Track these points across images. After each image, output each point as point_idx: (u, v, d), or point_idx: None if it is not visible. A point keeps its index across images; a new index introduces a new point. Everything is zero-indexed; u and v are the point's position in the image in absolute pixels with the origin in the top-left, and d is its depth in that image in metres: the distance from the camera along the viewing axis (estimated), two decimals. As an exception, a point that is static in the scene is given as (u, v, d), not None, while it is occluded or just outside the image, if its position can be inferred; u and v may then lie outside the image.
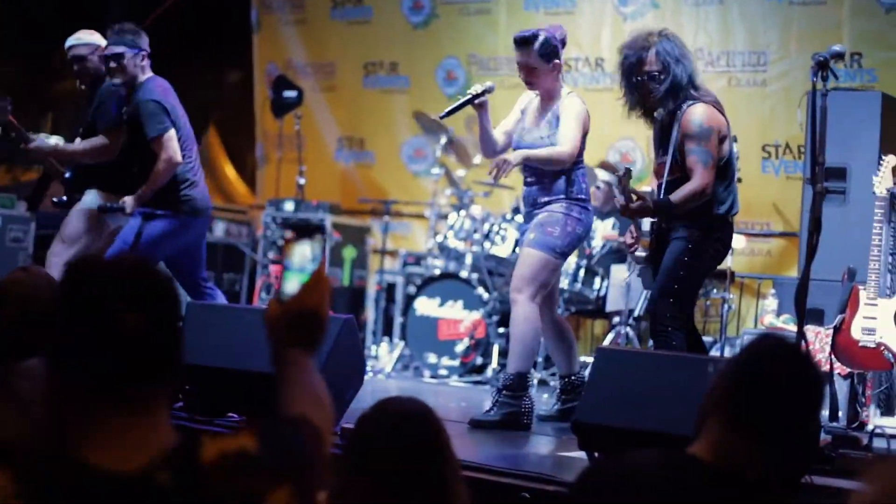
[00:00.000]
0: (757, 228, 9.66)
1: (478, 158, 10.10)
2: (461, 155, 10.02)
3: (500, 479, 4.62)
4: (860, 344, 6.84)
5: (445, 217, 9.86)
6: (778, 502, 2.75)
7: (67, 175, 7.50)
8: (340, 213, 10.91)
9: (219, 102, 13.71)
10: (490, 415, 6.31)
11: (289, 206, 10.62)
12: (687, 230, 6.02)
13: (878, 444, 4.62)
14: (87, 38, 7.43)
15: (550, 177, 6.55)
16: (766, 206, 9.47)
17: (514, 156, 6.59)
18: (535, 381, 8.50)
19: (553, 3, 10.85)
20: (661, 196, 6.02)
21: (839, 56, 5.26)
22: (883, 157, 7.01)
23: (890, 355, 6.80)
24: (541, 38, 6.54)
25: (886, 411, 7.14)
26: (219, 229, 10.92)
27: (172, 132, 6.98)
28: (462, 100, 6.65)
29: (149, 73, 7.17)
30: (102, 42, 7.38)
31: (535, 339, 6.47)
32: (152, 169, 6.97)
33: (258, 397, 5.36)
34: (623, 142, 10.34)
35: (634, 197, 5.98)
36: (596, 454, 4.69)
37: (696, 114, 6.00)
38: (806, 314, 7.60)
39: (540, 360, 8.80)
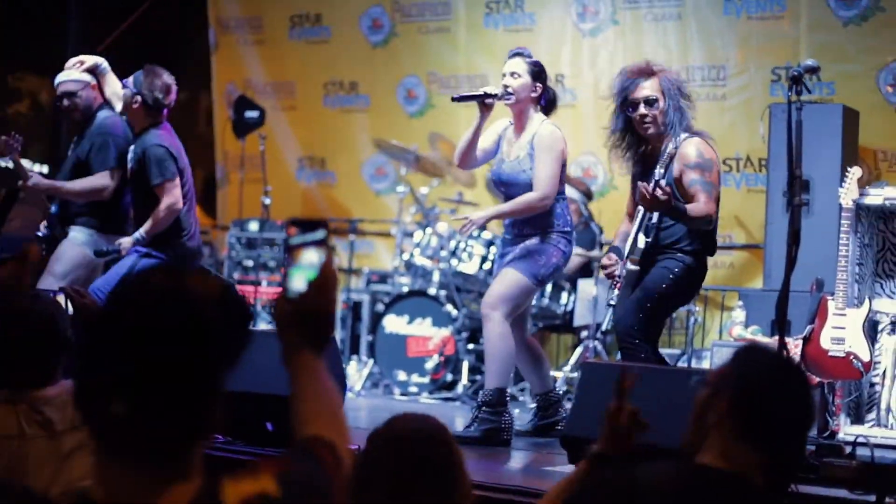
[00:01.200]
0: (720, 241, 9.73)
1: (446, 175, 10.16)
2: (429, 169, 10.07)
3: (490, 494, 4.66)
4: (829, 354, 6.94)
5: (411, 235, 9.90)
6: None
7: (53, 209, 7.53)
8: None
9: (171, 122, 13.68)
10: (470, 431, 6.36)
11: (253, 226, 10.63)
12: (673, 261, 6.14)
13: (862, 452, 4.70)
14: (76, 75, 7.48)
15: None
16: (728, 218, 9.58)
17: (485, 214, 6.71)
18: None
19: (513, 21, 10.94)
20: (649, 238, 6.11)
21: (813, 70, 5.35)
22: (849, 169, 7.11)
23: (859, 364, 6.90)
24: (534, 57, 6.68)
25: (856, 420, 7.24)
26: (182, 250, 10.89)
27: (177, 180, 7.06)
28: (479, 91, 6.65)
29: (152, 121, 7.21)
30: (92, 79, 7.46)
31: (510, 355, 6.52)
32: (151, 211, 7.06)
33: (278, 419, 5.41)
34: (584, 156, 10.43)
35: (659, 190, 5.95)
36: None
37: (696, 146, 6.11)
38: (776, 325, 7.74)
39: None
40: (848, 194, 7.03)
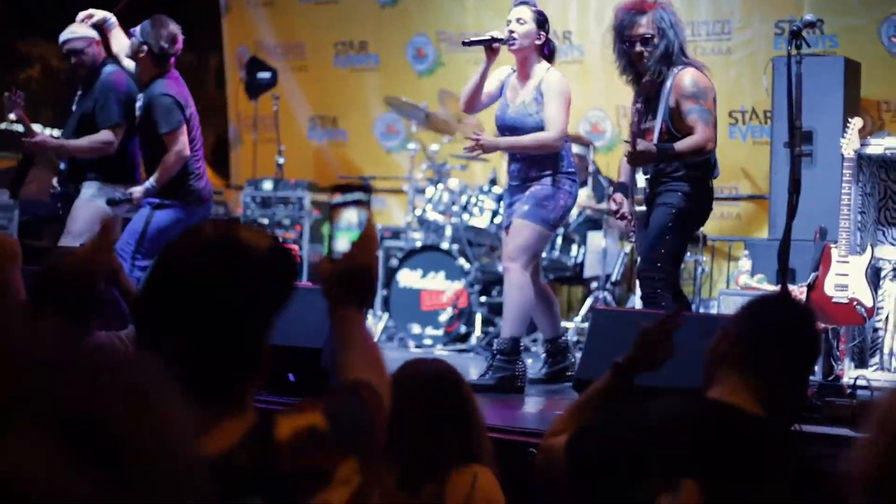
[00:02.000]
0: (726, 192, 9.91)
1: (456, 132, 10.31)
2: (439, 126, 10.22)
3: (507, 436, 4.87)
4: (833, 300, 7.12)
5: (423, 191, 10.07)
6: (789, 437, 3.03)
7: (62, 167, 7.70)
8: (318, 191, 11.12)
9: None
10: (485, 379, 6.54)
11: (267, 186, 10.81)
12: (673, 195, 6.28)
13: (861, 393, 4.89)
14: (81, 32, 7.63)
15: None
16: (735, 170, 9.73)
17: (498, 141, 6.83)
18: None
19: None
20: (647, 175, 6.27)
21: (811, 25, 5.52)
22: (850, 121, 7.27)
23: (862, 310, 7.09)
24: (537, 6, 6.83)
25: (860, 364, 7.43)
26: (197, 211, 11.08)
27: (184, 127, 7.19)
28: (487, 35, 6.80)
29: (160, 70, 7.32)
30: (96, 35, 7.61)
31: (528, 306, 6.69)
32: (160, 159, 7.22)
33: (300, 370, 5.61)
34: (593, 112, 10.58)
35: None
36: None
37: (690, 76, 6.27)
38: (780, 271, 7.92)
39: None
40: (849, 144, 7.19)
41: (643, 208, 6.28)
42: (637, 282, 6.60)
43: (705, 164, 6.36)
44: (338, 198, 2.36)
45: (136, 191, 7.25)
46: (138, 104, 7.37)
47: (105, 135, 7.48)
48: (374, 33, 11.89)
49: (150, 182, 7.22)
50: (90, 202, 7.49)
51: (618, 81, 6.98)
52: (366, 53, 11.94)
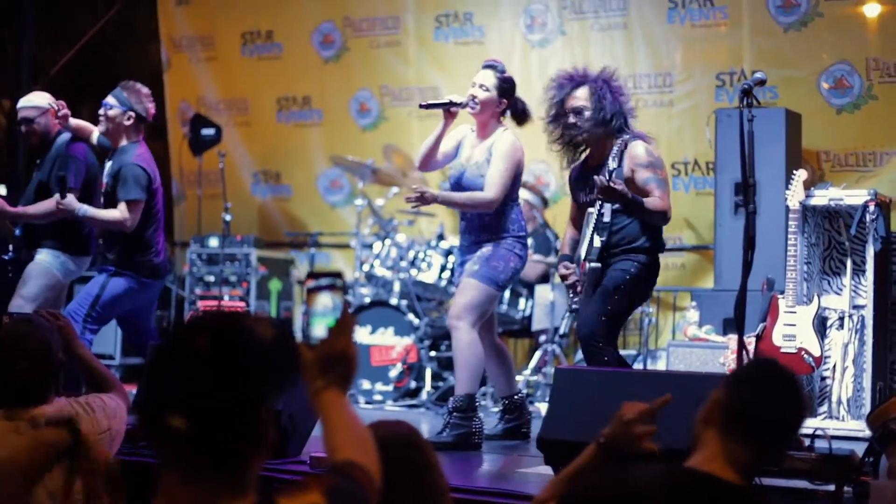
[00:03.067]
0: (670, 243, 9.99)
1: (396, 189, 10.35)
2: (385, 179, 10.27)
3: (469, 496, 4.87)
4: (782, 350, 7.21)
5: (370, 247, 10.09)
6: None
7: (18, 233, 7.67)
8: (264, 247, 11.13)
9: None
10: (443, 436, 6.54)
11: (213, 242, 10.79)
12: (627, 262, 6.34)
13: (820, 444, 4.94)
14: (35, 101, 7.65)
15: (491, 215, 6.80)
16: (678, 220, 9.81)
17: (437, 194, 6.82)
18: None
19: (462, 34, 11.16)
20: (603, 237, 6.31)
21: (762, 83, 5.62)
22: (794, 172, 7.39)
23: (810, 359, 7.19)
24: (506, 73, 6.88)
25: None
26: (143, 267, 11.03)
27: (141, 204, 7.23)
28: (444, 99, 6.86)
29: (134, 139, 7.39)
30: (50, 104, 7.61)
31: (479, 362, 6.71)
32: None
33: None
34: (536, 165, 10.63)
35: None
36: (561, 467, 4.97)
37: (643, 146, 6.36)
38: (728, 324, 8.02)
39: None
40: (794, 196, 7.31)
41: (597, 265, 6.31)
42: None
43: (656, 239, 6.45)
44: (311, 283, 2.44)
45: (70, 202, 7.23)
46: (107, 170, 7.39)
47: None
48: (318, 88, 11.92)
49: (84, 210, 7.23)
50: (46, 269, 7.46)
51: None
52: (309, 108, 11.97)
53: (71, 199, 7.21)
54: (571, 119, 6.45)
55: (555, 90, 6.56)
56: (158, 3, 12.73)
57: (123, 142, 7.36)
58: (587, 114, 6.41)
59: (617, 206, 6.25)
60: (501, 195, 6.71)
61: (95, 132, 7.65)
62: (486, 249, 6.80)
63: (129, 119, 7.31)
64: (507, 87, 6.85)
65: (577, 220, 6.65)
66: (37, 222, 7.51)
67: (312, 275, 2.45)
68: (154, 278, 7.39)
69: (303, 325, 2.48)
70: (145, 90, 7.44)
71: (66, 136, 7.59)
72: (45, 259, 7.51)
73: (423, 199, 6.66)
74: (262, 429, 2.21)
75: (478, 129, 6.93)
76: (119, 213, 7.20)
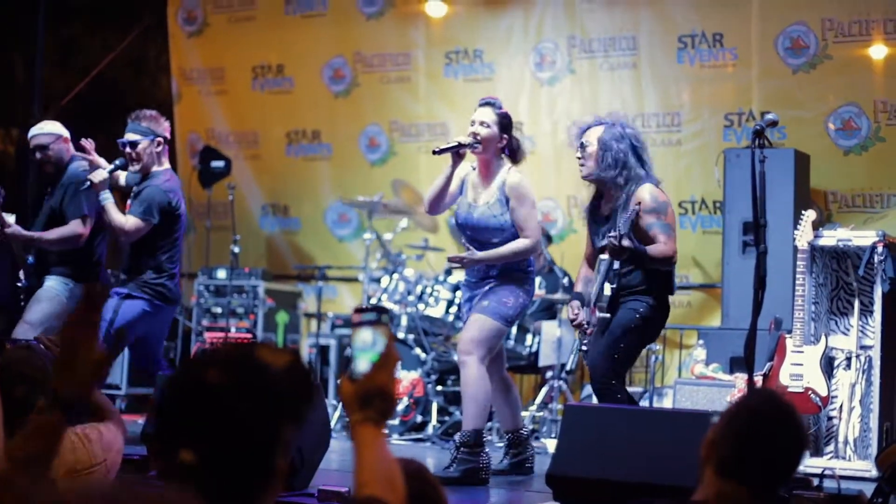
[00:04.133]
0: (677, 281, 10.02)
1: (404, 222, 10.39)
2: (393, 210, 10.32)
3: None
4: (789, 389, 7.23)
5: (378, 280, 10.12)
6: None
7: (30, 260, 7.72)
8: (271, 280, 11.17)
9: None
10: (450, 471, 6.55)
11: (221, 274, 10.83)
12: (637, 302, 6.42)
13: (829, 484, 4.96)
14: (48, 128, 7.76)
15: None
16: (685, 259, 9.84)
17: (479, 257, 6.78)
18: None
19: (472, 71, 11.23)
20: (614, 285, 6.37)
21: (774, 124, 5.67)
22: (803, 213, 7.43)
23: (817, 399, 7.21)
24: (503, 108, 6.93)
25: (815, 452, 7.52)
26: (151, 298, 11.06)
27: (147, 227, 7.32)
28: (453, 142, 6.85)
29: (165, 164, 7.55)
30: (64, 132, 7.75)
31: (487, 398, 6.73)
32: (140, 248, 7.36)
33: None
34: (544, 202, 10.67)
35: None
36: (570, 503, 5.00)
37: (649, 191, 6.44)
38: (735, 362, 8.03)
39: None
40: (803, 236, 7.35)
41: (606, 315, 6.37)
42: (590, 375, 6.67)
43: (667, 281, 6.51)
44: (357, 318, 2.44)
45: (99, 174, 7.33)
46: (133, 192, 7.50)
47: (74, 226, 7.54)
48: (328, 122, 11.98)
49: (107, 197, 7.30)
50: (54, 296, 7.51)
51: (568, 171, 7.11)
52: (318, 142, 12.03)
53: (106, 182, 7.31)
54: (577, 153, 6.62)
55: (575, 134, 6.77)
56: (170, 36, 12.80)
57: (155, 168, 7.47)
58: (591, 149, 6.52)
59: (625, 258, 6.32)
60: (539, 234, 6.87)
61: (122, 177, 7.71)
62: (495, 284, 6.84)
63: (158, 146, 7.44)
64: (506, 122, 6.89)
65: (592, 259, 6.72)
66: (51, 248, 7.56)
67: (359, 310, 2.46)
68: (165, 302, 7.44)
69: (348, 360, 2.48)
70: (154, 112, 7.57)
71: (78, 163, 7.64)
72: (53, 286, 7.56)
73: (464, 264, 6.77)
74: (275, 461, 2.21)
75: (480, 166, 6.97)
76: (130, 223, 7.28)
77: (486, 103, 6.92)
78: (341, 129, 11.90)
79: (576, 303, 6.63)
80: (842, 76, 9.57)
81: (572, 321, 6.62)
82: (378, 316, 2.44)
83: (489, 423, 8.67)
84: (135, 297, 7.32)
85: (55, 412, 2.31)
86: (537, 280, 9.79)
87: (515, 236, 6.81)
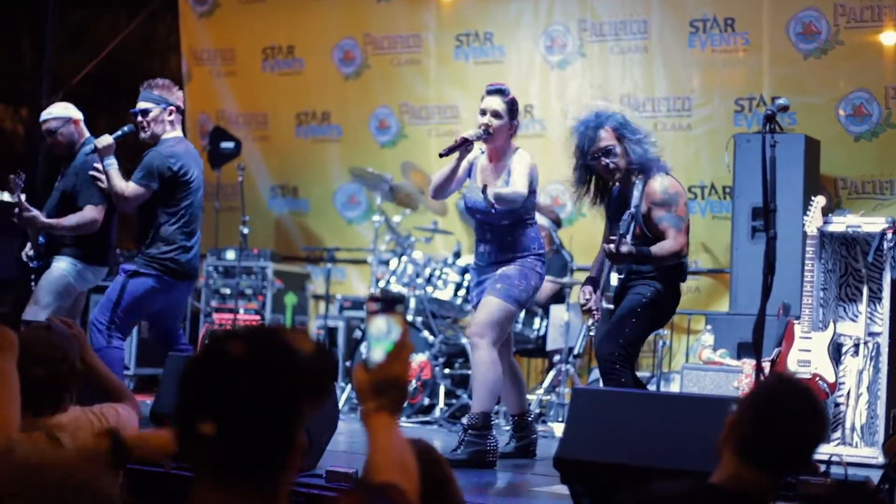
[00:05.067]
0: (686, 266, 10.05)
1: (419, 205, 10.41)
2: (403, 199, 10.31)
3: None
4: (796, 375, 7.23)
5: (386, 263, 10.12)
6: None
7: (41, 240, 7.73)
8: (280, 261, 11.18)
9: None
10: (457, 453, 6.56)
11: (230, 255, 10.85)
12: (646, 287, 6.41)
13: (836, 470, 4.97)
14: (57, 112, 7.75)
15: (511, 234, 6.83)
16: (695, 244, 9.77)
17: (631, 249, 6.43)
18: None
19: (482, 53, 11.21)
20: (622, 275, 6.39)
21: (785, 109, 5.66)
22: (812, 198, 7.41)
23: (825, 385, 7.20)
24: (511, 94, 6.85)
25: (822, 438, 7.52)
26: (159, 279, 11.07)
27: (146, 193, 7.23)
28: (459, 139, 6.70)
29: (176, 131, 7.42)
30: (75, 114, 7.74)
31: (497, 381, 6.73)
32: (150, 223, 7.31)
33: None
34: (553, 186, 10.67)
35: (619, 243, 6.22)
36: (577, 486, 5.01)
37: (660, 182, 6.41)
38: (742, 348, 8.03)
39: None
40: (812, 222, 7.33)
41: (611, 306, 6.39)
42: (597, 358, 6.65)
43: (678, 268, 6.49)
44: (373, 307, 2.44)
45: (104, 139, 7.31)
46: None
47: (89, 212, 7.53)
48: (338, 104, 11.98)
49: (111, 162, 7.28)
50: (60, 275, 7.52)
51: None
52: (328, 124, 12.03)
53: (112, 148, 7.25)
54: (603, 161, 6.49)
55: (578, 138, 6.60)
56: (181, 16, 12.81)
57: (165, 136, 7.36)
58: (618, 149, 6.46)
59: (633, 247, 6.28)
60: (527, 187, 6.68)
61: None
62: (508, 268, 6.81)
63: (170, 114, 7.35)
64: (514, 109, 6.84)
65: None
66: (69, 234, 7.57)
67: (374, 298, 2.46)
68: (176, 277, 7.32)
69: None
70: (167, 81, 7.48)
71: (90, 147, 7.64)
72: (61, 266, 7.56)
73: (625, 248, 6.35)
74: (294, 438, 2.23)
75: (490, 153, 6.92)
76: (129, 189, 7.21)
77: (495, 90, 6.85)
78: (351, 110, 11.90)
79: (588, 287, 6.62)
80: (853, 62, 9.54)
81: (582, 306, 6.62)
82: (394, 305, 2.45)
83: (497, 407, 8.69)
84: (142, 273, 7.23)
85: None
86: (545, 263, 9.81)
87: (522, 217, 6.79)
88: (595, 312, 6.49)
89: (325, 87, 12.00)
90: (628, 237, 6.22)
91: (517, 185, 6.69)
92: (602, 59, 10.66)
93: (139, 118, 7.35)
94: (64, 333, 4.22)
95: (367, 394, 2.42)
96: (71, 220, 7.55)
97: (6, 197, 7.53)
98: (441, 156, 6.84)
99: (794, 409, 3.04)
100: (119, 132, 7.40)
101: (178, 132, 7.46)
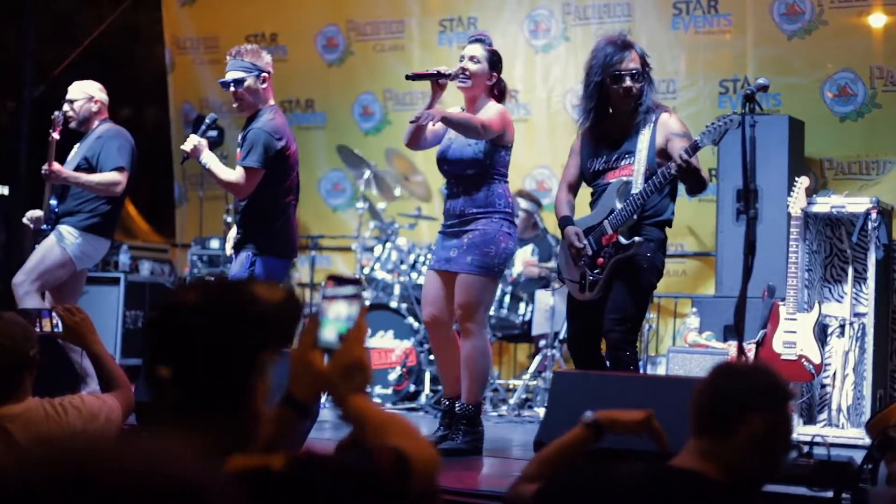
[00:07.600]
0: (672, 249, 9.98)
1: (398, 191, 10.38)
2: (383, 189, 10.27)
3: (471, 500, 4.87)
4: (782, 357, 7.21)
5: (371, 250, 10.08)
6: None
7: (53, 205, 7.72)
8: (265, 249, 11.12)
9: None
10: (456, 443, 6.43)
11: (214, 244, 10.79)
12: (643, 257, 6.09)
13: (819, 451, 4.92)
14: (81, 86, 7.97)
15: (478, 188, 6.48)
16: (680, 227, 9.78)
17: (442, 111, 6.34)
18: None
19: (466, 39, 11.07)
20: (629, 206, 6.06)
21: (764, 88, 5.58)
22: (796, 179, 7.38)
23: (810, 366, 7.17)
24: (493, 45, 6.65)
25: (808, 420, 7.51)
26: (144, 269, 11.04)
27: (261, 172, 6.66)
28: (433, 70, 6.50)
29: (271, 100, 6.88)
30: (97, 94, 7.93)
31: (489, 369, 6.65)
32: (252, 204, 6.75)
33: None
34: (538, 170, 10.64)
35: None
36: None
37: (675, 118, 6.26)
38: (728, 331, 8.00)
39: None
40: (796, 203, 7.30)
41: (639, 239, 6.05)
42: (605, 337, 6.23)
43: (670, 215, 6.24)
44: (330, 289, 2.44)
45: (199, 147, 6.74)
46: (239, 139, 6.85)
47: (113, 175, 7.61)
48: (321, 91, 11.93)
49: (207, 158, 6.73)
50: (55, 243, 7.57)
51: (562, 139, 6.94)
52: (312, 111, 11.98)
53: (202, 145, 6.71)
54: (628, 83, 6.15)
55: (602, 53, 6.23)
56: (163, 5, 12.75)
57: (261, 106, 6.79)
58: (641, 78, 6.23)
59: (664, 178, 6.00)
60: (493, 126, 6.33)
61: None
62: (473, 235, 6.46)
63: (263, 82, 6.76)
64: (496, 59, 6.59)
65: (575, 185, 6.46)
66: (90, 191, 7.64)
67: (333, 278, 2.45)
68: (292, 256, 6.91)
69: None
70: (255, 46, 6.89)
71: (108, 124, 7.76)
72: (61, 234, 7.59)
73: (430, 115, 6.26)
74: (252, 383, 2.28)
75: (467, 105, 6.63)
76: (236, 175, 6.66)
77: (477, 39, 6.67)
78: (335, 98, 11.85)
79: (575, 228, 6.25)
80: (837, 42, 9.50)
81: (580, 250, 6.18)
82: (353, 289, 2.44)
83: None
84: (267, 254, 6.66)
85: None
86: (529, 248, 9.77)
87: (490, 169, 6.46)
88: (587, 253, 6.15)
89: (308, 74, 11.95)
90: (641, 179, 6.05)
91: (483, 116, 6.39)
92: (586, 42, 10.55)
93: (232, 88, 6.73)
94: (21, 323, 4.07)
95: (336, 380, 2.42)
96: (94, 177, 7.63)
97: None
98: (407, 77, 6.65)
99: (745, 371, 3.06)
100: (203, 126, 6.97)
101: (272, 100, 6.87)
